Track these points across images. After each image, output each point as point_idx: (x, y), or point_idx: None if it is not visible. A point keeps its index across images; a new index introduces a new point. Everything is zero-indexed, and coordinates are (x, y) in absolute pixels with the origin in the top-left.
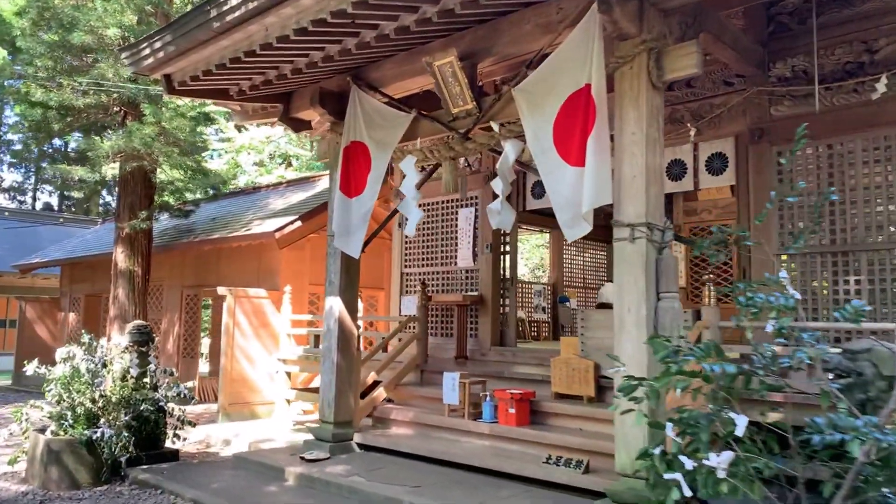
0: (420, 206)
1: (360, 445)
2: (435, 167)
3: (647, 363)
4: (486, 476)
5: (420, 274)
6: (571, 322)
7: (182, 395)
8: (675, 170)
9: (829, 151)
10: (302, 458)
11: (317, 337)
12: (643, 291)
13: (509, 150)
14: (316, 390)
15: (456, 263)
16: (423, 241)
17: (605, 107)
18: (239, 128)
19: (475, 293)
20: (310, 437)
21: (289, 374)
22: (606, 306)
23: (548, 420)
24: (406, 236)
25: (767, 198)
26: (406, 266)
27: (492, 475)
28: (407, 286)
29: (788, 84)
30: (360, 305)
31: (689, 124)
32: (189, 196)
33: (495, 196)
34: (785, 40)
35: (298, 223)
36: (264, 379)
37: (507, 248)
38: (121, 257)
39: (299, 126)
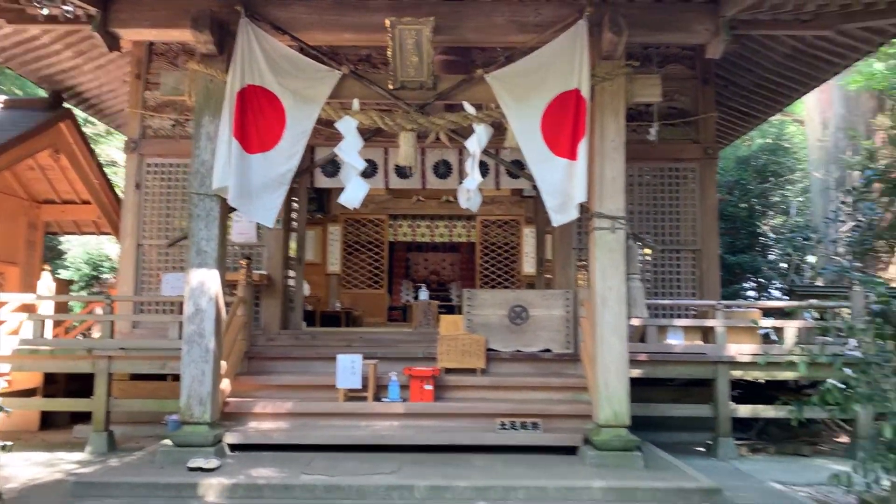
0: (176, 166)
1: (235, 447)
2: (376, 132)
3: (624, 330)
4: (429, 453)
5: (166, 248)
6: None
7: None
8: (441, 169)
9: None
10: (196, 469)
11: (42, 323)
12: (623, 274)
13: (482, 133)
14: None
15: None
16: (170, 208)
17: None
18: None
19: (261, 272)
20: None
21: None
22: None
23: (447, 393)
24: (146, 200)
25: None
26: (144, 237)
27: (437, 451)
28: (143, 262)
29: None
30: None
31: None
32: None
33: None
34: None
35: None
36: None
37: (296, 224)
38: None
39: (115, 44)
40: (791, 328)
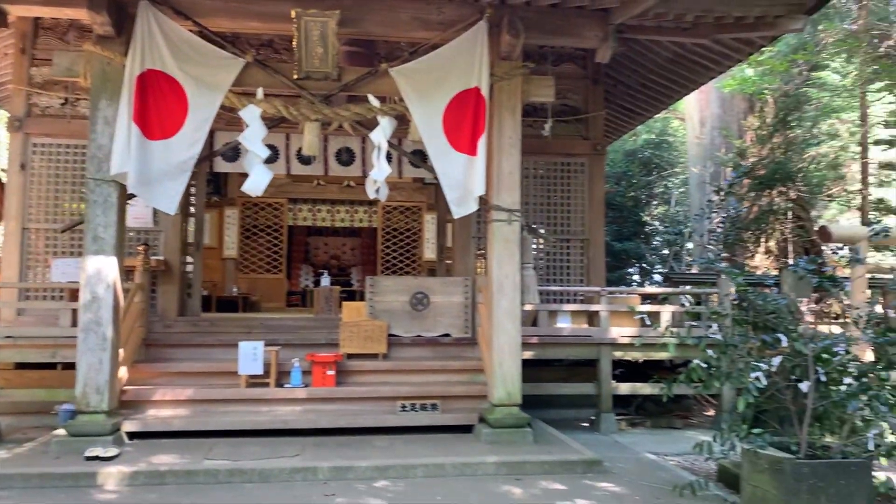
0: (66, 147)
1: (134, 435)
2: (280, 120)
3: (518, 315)
4: (332, 436)
5: (54, 232)
6: None
7: None
8: (344, 156)
9: None
10: (94, 458)
11: None
12: (518, 263)
13: (386, 125)
14: None
15: None
16: (60, 191)
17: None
18: None
19: (158, 257)
20: None
21: None
22: None
23: (350, 378)
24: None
25: None
26: (31, 220)
27: (339, 434)
28: (29, 247)
29: None
30: None
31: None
32: None
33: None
34: None
35: None
36: None
37: (193, 208)
38: None
39: (2, 20)
40: (665, 313)
